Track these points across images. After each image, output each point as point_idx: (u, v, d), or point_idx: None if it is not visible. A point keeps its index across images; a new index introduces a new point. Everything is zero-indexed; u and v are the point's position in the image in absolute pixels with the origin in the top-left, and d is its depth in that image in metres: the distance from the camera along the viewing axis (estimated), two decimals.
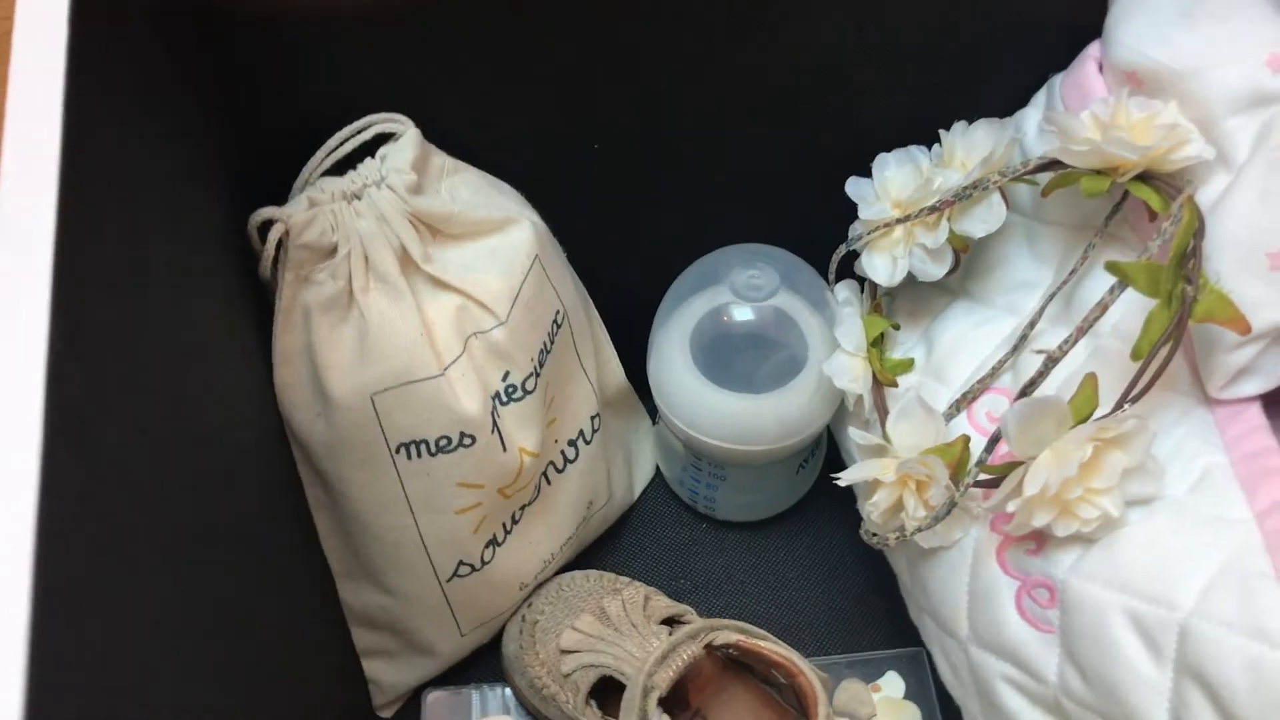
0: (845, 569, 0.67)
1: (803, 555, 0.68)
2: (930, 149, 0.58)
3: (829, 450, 0.68)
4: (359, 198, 0.49)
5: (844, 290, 0.60)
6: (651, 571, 0.67)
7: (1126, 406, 0.47)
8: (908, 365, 0.58)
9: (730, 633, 0.56)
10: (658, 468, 0.70)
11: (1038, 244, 0.56)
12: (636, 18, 0.52)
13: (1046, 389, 0.50)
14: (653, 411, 0.69)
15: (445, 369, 0.50)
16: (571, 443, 0.59)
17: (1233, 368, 0.47)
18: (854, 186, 0.58)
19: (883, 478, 0.51)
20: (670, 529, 0.69)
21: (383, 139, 0.51)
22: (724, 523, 0.68)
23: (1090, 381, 0.47)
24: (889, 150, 0.58)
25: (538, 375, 0.54)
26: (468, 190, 0.52)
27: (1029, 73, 0.58)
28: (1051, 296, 0.54)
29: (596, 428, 0.61)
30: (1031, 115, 0.58)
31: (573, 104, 0.55)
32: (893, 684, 0.63)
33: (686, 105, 0.57)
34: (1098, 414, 0.47)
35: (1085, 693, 0.47)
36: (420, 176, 0.50)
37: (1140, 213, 0.51)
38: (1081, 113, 0.50)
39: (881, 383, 0.57)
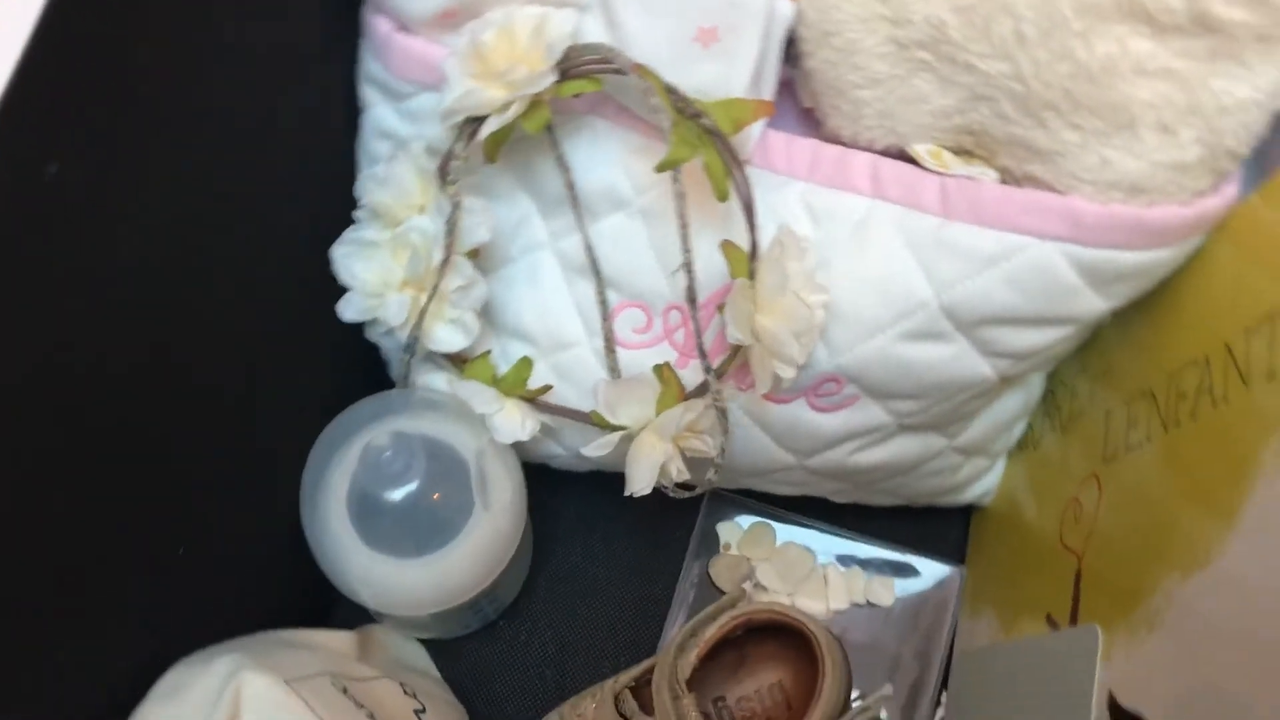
0: (622, 524, 0.67)
1: (592, 548, 0.67)
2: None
3: None
4: None
5: (435, 379, 0.56)
6: (521, 701, 0.64)
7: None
8: (528, 365, 0.56)
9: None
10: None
11: (494, 186, 0.55)
12: None
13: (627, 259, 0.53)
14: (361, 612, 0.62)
15: None
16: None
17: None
18: (349, 308, 0.52)
19: (666, 458, 0.51)
20: (486, 660, 0.64)
21: None
22: (512, 604, 0.65)
23: (729, 246, 0.48)
24: None
25: None
26: None
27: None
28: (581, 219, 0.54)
29: (411, 692, 0.54)
30: (381, 111, 0.54)
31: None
32: (728, 532, 0.66)
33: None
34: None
35: (922, 407, 0.53)
36: None
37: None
38: (465, 86, 0.48)
39: (539, 396, 0.55)
